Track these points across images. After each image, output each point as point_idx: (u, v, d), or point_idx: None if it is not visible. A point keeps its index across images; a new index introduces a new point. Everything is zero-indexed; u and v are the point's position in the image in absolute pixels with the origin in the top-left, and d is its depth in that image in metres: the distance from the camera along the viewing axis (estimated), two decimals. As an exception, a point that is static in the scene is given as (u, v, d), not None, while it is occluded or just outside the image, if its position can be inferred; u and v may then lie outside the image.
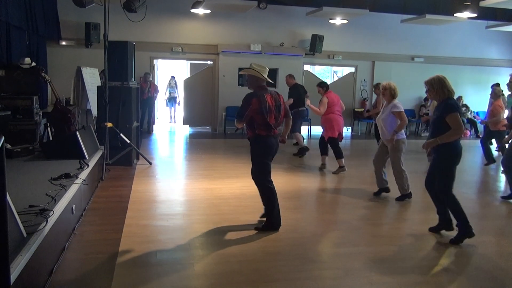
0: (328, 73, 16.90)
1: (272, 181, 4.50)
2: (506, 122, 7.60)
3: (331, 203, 5.92)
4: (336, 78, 15.61)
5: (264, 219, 4.58)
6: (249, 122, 4.40)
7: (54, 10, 10.61)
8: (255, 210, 5.10)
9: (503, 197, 6.13)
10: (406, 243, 4.36)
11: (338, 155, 7.41)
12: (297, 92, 9.24)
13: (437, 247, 4.29)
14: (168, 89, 14.29)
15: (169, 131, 12.72)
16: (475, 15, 10.48)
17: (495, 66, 14.03)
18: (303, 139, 9.40)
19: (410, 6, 11.97)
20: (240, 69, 12.52)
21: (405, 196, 5.78)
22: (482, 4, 9.86)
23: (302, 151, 8.92)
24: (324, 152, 7.62)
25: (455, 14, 10.74)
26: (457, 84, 13.79)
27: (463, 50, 13.96)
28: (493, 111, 8.04)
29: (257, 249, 4.02)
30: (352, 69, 13.76)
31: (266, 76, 4.45)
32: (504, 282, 3.59)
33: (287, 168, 7.75)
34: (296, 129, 9.11)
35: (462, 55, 13.92)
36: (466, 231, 4.27)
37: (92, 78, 9.28)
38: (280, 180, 6.76)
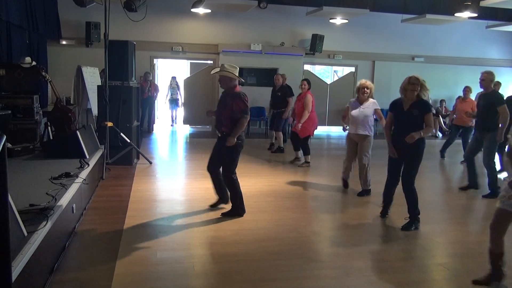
0: (328, 73, 16.89)
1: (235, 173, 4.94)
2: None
3: (330, 202, 5.92)
4: (336, 78, 15.61)
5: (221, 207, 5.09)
6: (231, 118, 4.69)
7: (55, 9, 10.62)
8: (256, 210, 5.12)
9: (461, 188, 6.55)
10: (406, 242, 4.37)
11: (307, 152, 7.85)
12: (288, 93, 9.30)
13: (437, 247, 4.30)
14: (169, 91, 13.29)
15: (169, 130, 12.71)
16: (476, 15, 10.48)
17: (496, 66, 13.98)
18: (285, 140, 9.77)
19: (411, 5, 11.97)
20: (241, 69, 12.50)
21: (367, 191, 6.05)
22: (482, 4, 9.86)
23: (278, 149, 9.24)
24: (298, 148, 8.00)
25: (456, 14, 10.73)
26: (457, 84, 13.88)
27: (464, 50, 13.96)
28: (466, 108, 8.50)
29: (257, 248, 4.02)
30: (352, 69, 13.76)
31: (237, 75, 4.79)
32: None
33: (285, 168, 7.76)
34: (279, 128, 9.27)
35: (463, 55, 13.92)
36: (416, 220, 4.75)
37: (92, 77, 9.27)
38: (279, 179, 6.77)
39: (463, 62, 13.85)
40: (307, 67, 13.71)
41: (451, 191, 6.70)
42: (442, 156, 9.28)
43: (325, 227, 4.85)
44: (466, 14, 10.52)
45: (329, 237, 4.52)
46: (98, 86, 7.61)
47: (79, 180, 4.63)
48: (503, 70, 13.93)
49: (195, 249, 4.02)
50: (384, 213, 5.08)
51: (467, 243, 4.44)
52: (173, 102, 13.29)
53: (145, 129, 11.69)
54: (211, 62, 12.66)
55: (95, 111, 8.54)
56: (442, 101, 13.41)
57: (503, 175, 6.77)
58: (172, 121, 13.54)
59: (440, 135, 13.09)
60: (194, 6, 10.91)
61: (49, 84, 7.48)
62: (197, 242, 4.21)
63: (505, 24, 12.42)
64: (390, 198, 5.03)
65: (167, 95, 13.34)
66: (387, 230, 4.76)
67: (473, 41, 13.99)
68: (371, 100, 5.94)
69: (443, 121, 12.98)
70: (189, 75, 14.00)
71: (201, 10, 11.18)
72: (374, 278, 3.50)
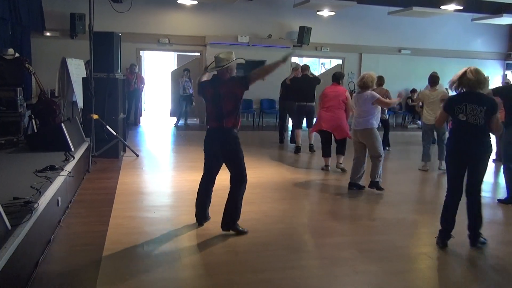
0: (315, 65, 16.89)
1: (202, 178, 4.33)
2: None
3: (318, 194, 5.96)
4: (323, 70, 15.62)
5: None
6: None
7: (38, 0, 10.42)
8: (243, 201, 5.10)
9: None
10: (392, 232, 4.41)
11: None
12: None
13: (422, 236, 4.37)
14: (183, 84, 11.77)
15: (156, 123, 12.61)
16: (461, 7, 10.59)
17: (481, 58, 14.16)
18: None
19: (397, -2, 12.02)
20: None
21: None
22: (468, -4, 9.96)
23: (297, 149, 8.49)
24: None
25: (442, 7, 10.83)
26: (443, 77, 13.88)
27: (449, 42, 14.08)
28: None
29: (244, 239, 4.03)
30: (340, 61, 13.80)
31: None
32: (483, 269, 3.67)
33: (274, 160, 7.77)
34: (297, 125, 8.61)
35: (448, 48, 14.04)
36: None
37: (77, 69, 9.14)
38: (267, 171, 6.78)
39: (449, 54, 13.97)
40: (294, 59, 13.69)
41: (438, 181, 6.79)
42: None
43: (312, 218, 4.87)
44: (452, 7, 10.62)
45: (316, 228, 4.54)
46: (83, 78, 7.51)
47: (64, 173, 4.58)
48: (488, 63, 14.10)
49: (182, 241, 4.02)
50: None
51: (452, 232, 4.50)
52: (186, 98, 11.88)
53: (132, 121, 11.59)
54: (198, 54, 12.58)
55: (80, 103, 8.43)
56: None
57: None
58: (178, 119, 12.09)
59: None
60: (180, -3, 10.80)
61: (33, 76, 7.37)
62: (184, 234, 4.20)
63: (490, 17, 12.56)
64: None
65: (181, 89, 11.87)
66: (373, 222, 4.80)
67: (459, 33, 14.12)
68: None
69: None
70: (176, 67, 13.90)
71: (188, 2, 11.08)
72: (360, 268, 3.53)
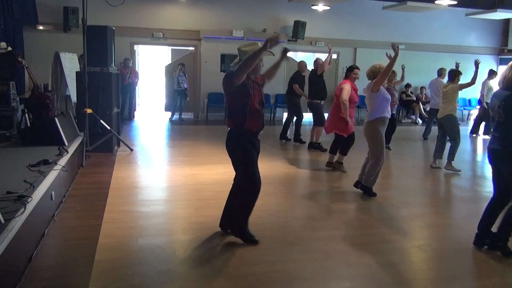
0: (310, 60, 16.89)
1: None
2: None
3: (312, 188, 5.97)
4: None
5: None
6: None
7: (31, -7, 10.33)
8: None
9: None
10: (385, 226, 4.45)
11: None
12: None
13: (415, 230, 4.40)
14: (177, 79, 11.81)
15: (151, 117, 12.58)
16: (455, 2, 10.60)
17: (475, 53, 14.20)
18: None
19: (392, -8, 12.01)
20: (222, 55, 12.43)
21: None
22: (462, -9, 9.97)
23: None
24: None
25: (436, 1, 10.83)
26: (437, 71, 14.03)
27: (443, 37, 14.12)
28: None
29: (238, 233, 4.03)
30: (334, 56, 13.78)
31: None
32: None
33: (269, 154, 7.77)
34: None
35: (442, 42, 14.09)
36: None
37: (70, 63, 9.09)
38: (262, 165, 6.75)
39: (443, 49, 14.02)
40: (289, 54, 13.65)
41: (431, 176, 6.83)
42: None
43: (306, 213, 4.88)
44: (446, 2, 10.63)
45: (310, 222, 4.55)
46: (76, 72, 7.47)
47: (57, 167, 4.57)
48: (482, 58, 14.08)
49: (177, 235, 4.03)
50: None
51: (444, 226, 4.55)
52: (181, 93, 11.86)
53: (126, 116, 11.56)
54: (193, 48, 12.53)
55: (74, 97, 8.40)
56: (422, 88, 13.60)
57: None
58: (173, 114, 12.12)
59: (420, 121, 13.28)
60: (174, -9, 10.74)
61: (25, 70, 7.32)
62: (178, 228, 4.22)
63: (484, 12, 12.58)
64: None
65: (175, 83, 11.89)
66: (366, 215, 4.83)
67: (453, 28, 14.16)
68: None
69: (423, 108, 13.18)
70: (170, 62, 13.84)
71: (182, -5, 11.02)
72: (353, 261, 3.56)
